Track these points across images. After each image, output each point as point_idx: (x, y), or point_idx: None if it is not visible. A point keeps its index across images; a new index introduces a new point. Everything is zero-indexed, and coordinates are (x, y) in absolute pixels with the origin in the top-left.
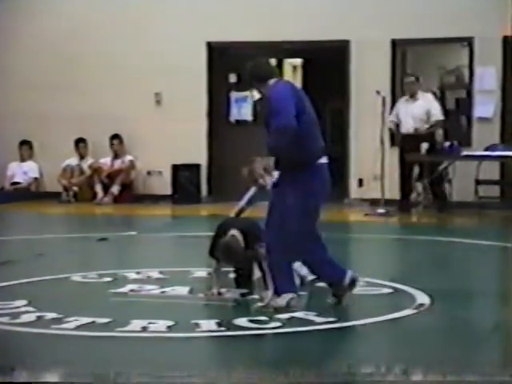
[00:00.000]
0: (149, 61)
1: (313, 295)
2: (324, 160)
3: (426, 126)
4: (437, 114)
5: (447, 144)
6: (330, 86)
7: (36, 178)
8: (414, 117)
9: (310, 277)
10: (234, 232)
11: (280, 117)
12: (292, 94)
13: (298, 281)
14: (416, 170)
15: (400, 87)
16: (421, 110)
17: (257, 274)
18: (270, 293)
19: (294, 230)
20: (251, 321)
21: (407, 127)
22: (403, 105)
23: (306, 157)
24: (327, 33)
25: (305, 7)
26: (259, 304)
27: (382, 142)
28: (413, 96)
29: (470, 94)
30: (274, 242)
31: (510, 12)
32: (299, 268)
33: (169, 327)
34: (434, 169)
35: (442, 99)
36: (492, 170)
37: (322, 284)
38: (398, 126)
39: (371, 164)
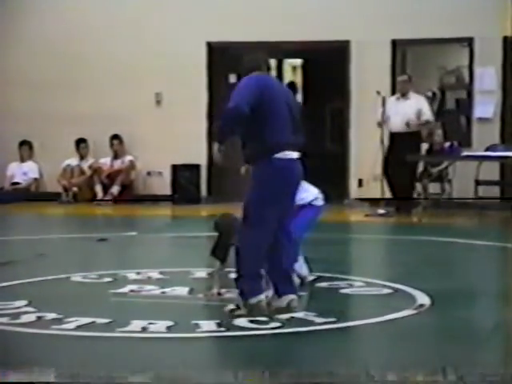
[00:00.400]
0: (149, 61)
1: (313, 296)
2: (290, 155)
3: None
4: (427, 114)
5: (447, 144)
6: (330, 87)
7: (36, 179)
8: (404, 115)
9: (311, 277)
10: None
11: (231, 102)
12: (258, 85)
13: (297, 281)
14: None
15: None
16: (412, 109)
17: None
18: (270, 293)
19: (253, 224)
20: (251, 321)
21: (396, 125)
22: (394, 103)
23: (262, 149)
24: (327, 33)
25: (305, 7)
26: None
27: (382, 142)
28: (404, 95)
29: (470, 94)
30: (241, 236)
31: (510, 12)
32: (299, 268)
33: (169, 328)
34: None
35: (442, 99)
36: (492, 171)
37: (322, 284)
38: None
39: (371, 164)
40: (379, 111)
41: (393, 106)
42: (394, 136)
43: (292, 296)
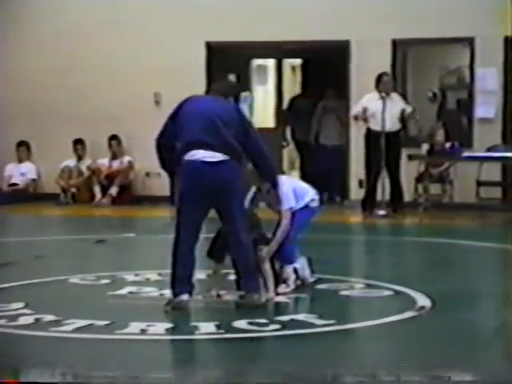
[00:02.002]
0: (148, 61)
1: (313, 298)
2: (199, 156)
3: (400, 125)
4: (408, 109)
5: (448, 145)
6: (330, 86)
7: (34, 180)
8: (392, 115)
9: (312, 279)
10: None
11: None
12: (175, 109)
13: (298, 282)
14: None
15: (401, 87)
16: (398, 108)
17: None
18: (270, 293)
19: (175, 227)
20: (251, 323)
21: (388, 124)
22: (377, 103)
23: (178, 154)
24: (327, 33)
25: (304, 7)
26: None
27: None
28: (388, 94)
29: (471, 94)
30: None
31: (511, 12)
32: (301, 270)
33: (168, 330)
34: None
35: (443, 100)
36: (493, 171)
37: (322, 286)
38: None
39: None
40: (358, 106)
41: (380, 105)
42: (388, 135)
43: (254, 294)
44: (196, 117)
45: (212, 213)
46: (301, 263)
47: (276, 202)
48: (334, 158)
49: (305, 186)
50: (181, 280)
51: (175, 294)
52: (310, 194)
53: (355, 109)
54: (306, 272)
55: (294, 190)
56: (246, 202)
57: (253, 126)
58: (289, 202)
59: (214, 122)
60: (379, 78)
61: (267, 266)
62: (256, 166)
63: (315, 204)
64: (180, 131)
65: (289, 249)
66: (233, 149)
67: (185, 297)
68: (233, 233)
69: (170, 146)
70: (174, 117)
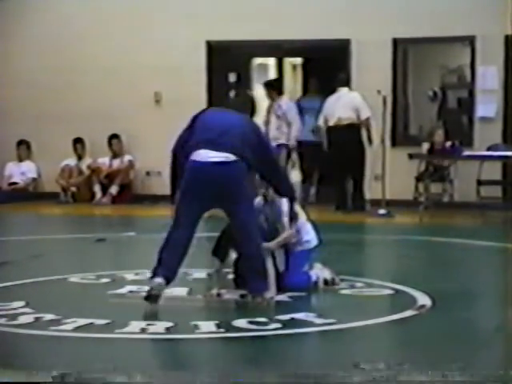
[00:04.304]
0: (148, 60)
1: (313, 297)
2: (205, 157)
3: None
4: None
5: (449, 144)
6: (331, 86)
7: (34, 179)
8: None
9: (335, 276)
10: None
11: None
12: (190, 121)
13: (321, 285)
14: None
15: (402, 86)
16: None
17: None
18: (271, 293)
19: (172, 221)
20: (251, 322)
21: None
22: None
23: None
24: (328, 32)
25: (305, 6)
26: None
27: (383, 142)
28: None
29: (471, 93)
30: None
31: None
32: (320, 273)
33: (168, 329)
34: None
35: (443, 99)
36: (494, 170)
37: (322, 285)
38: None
39: (372, 164)
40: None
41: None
42: None
43: (263, 295)
44: (212, 125)
45: (211, 211)
46: (317, 269)
47: (279, 216)
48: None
49: (306, 224)
50: (161, 263)
51: (151, 276)
52: (308, 233)
53: (368, 112)
54: (325, 273)
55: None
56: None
57: (270, 145)
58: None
59: (229, 128)
60: None
61: (270, 265)
62: (272, 184)
63: (309, 245)
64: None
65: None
66: (242, 153)
67: (159, 280)
68: (244, 233)
69: (183, 157)
70: (190, 127)
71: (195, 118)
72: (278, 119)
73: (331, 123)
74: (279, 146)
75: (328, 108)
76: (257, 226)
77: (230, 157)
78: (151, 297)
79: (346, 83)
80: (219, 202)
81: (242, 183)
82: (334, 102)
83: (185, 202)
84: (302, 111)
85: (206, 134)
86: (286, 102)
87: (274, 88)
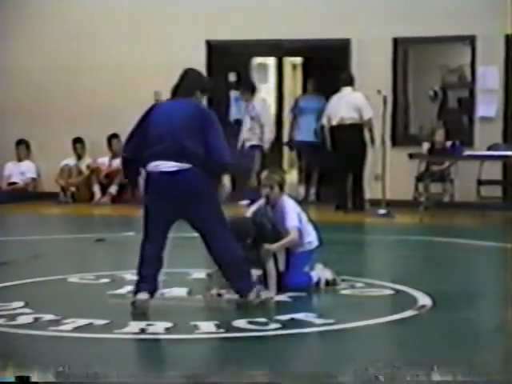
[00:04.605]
0: (148, 59)
1: (313, 297)
2: (162, 167)
3: None
4: None
5: (449, 143)
6: (331, 85)
7: (33, 179)
8: None
9: (336, 276)
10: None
11: None
12: (140, 118)
13: (322, 286)
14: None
15: (402, 86)
16: None
17: (254, 275)
18: (271, 293)
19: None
20: (250, 322)
21: None
22: None
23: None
24: (328, 31)
25: (305, 5)
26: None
27: (383, 142)
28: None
29: (472, 93)
30: None
31: None
32: (322, 276)
33: (167, 329)
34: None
35: (444, 98)
36: (494, 170)
37: (322, 285)
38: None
39: (372, 164)
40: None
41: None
42: None
43: (251, 293)
44: (160, 127)
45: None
46: (318, 270)
47: (282, 219)
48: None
49: (307, 225)
50: (142, 278)
51: (135, 292)
52: (310, 234)
53: (371, 112)
54: (326, 273)
55: (299, 220)
56: (249, 213)
57: (216, 121)
58: (295, 220)
59: (177, 129)
60: None
61: (271, 265)
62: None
63: (310, 246)
64: (146, 140)
65: (298, 278)
66: (196, 156)
67: (142, 295)
68: (215, 242)
69: (135, 159)
70: (139, 127)
71: (144, 118)
72: (252, 120)
73: (334, 123)
74: (252, 147)
75: (331, 107)
76: (227, 229)
77: (185, 165)
78: (135, 307)
79: (350, 83)
80: (183, 212)
81: (203, 189)
82: (337, 101)
83: (149, 214)
84: (301, 111)
85: (160, 144)
86: (260, 103)
87: (248, 88)
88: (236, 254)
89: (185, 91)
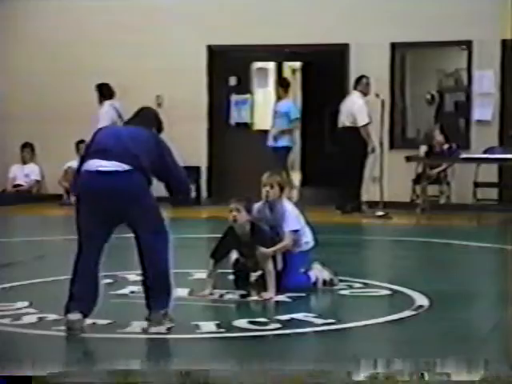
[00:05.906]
0: (150, 63)
1: (312, 297)
2: (90, 166)
3: None
4: None
5: (446, 146)
6: (330, 89)
7: (38, 181)
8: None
9: (334, 277)
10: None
11: None
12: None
13: (320, 285)
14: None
15: (399, 90)
16: None
17: (253, 275)
18: (271, 294)
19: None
20: (251, 322)
21: None
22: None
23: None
24: (327, 36)
25: (304, 10)
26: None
27: (381, 144)
28: (366, 95)
29: (468, 96)
30: None
31: (509, 15)
32: (319, 274)
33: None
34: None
35: (440, 102)
36: (490, 173)
37: (321, 286)
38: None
39: (370, 166)
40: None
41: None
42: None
43: (161, 311)
44: (108, 136)
45: (212, 213)
46: (316, 270)
47: (280, 222)
48: None
49: (305, 227)
50: (75, 297)
51: (65, 312)
52: (307, 235)
53: (366, 118)
54: (324, 274)
55: (299, 221)
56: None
57: (168, 148)
58: (293, 224)
59: (126, 139)
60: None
61: (270, 266)
62: (171, 184)
63: (307, 247)
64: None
65: (297, 278)
66: (139, 161)
67: (73, 316)
68: (149, 252)
69: None
70: (88, 148)
71: (92, 140)
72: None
73: (340, 125)
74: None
75: (340, 110)
76: (162, 238)
77: (123, 166)
78: (68, 328)
79: (355, 87)
80: (118, 217)
81: (140, 195)
82: (342, 105)
83: (81, 219)
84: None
85: (100, 144)
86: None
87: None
88: (164, 268)
89: (140, 122)
